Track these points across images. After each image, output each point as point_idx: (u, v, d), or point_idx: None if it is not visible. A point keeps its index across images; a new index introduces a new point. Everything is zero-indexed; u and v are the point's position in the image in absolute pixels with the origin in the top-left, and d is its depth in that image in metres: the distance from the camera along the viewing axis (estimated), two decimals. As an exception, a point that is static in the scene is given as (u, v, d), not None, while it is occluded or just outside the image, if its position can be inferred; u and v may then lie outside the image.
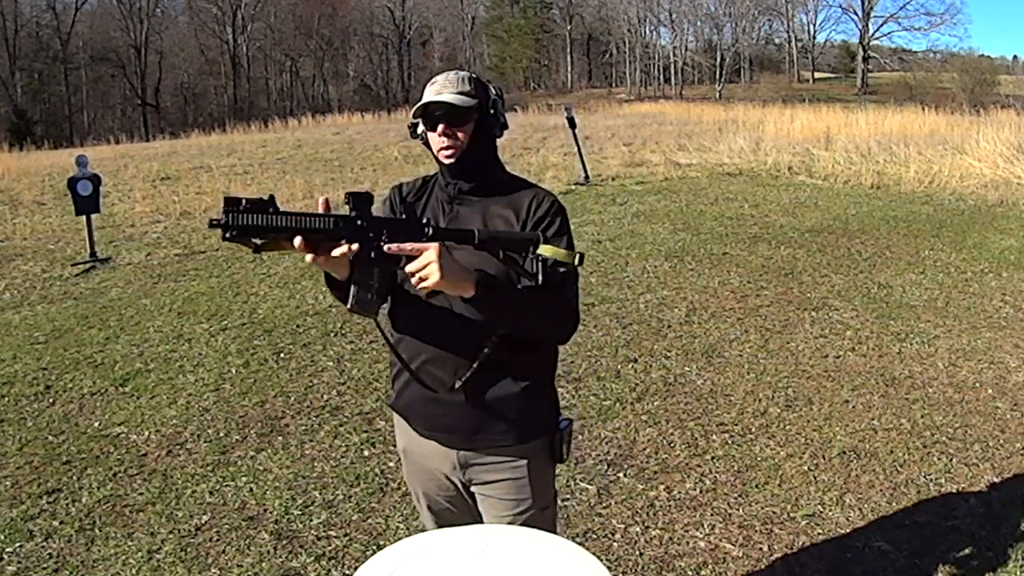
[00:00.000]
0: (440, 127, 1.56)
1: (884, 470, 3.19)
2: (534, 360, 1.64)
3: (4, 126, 35.50)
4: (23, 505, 3.07)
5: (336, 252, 1.34)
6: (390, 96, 47.13)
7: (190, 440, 3.61)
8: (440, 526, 1.77)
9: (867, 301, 5.48)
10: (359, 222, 1.35)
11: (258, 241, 1.27)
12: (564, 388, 4.06)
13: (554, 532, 1.71)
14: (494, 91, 1.63)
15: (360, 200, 1.37)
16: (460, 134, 1.57)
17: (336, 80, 50.53)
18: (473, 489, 1.69)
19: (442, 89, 1.56)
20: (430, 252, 1.35)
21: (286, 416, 3.83)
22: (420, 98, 1.60)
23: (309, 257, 1.34)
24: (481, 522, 1.71)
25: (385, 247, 1.36)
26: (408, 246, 1.36)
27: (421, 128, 1.62)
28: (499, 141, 1.69)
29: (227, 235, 1.24)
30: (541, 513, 1.67)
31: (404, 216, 1.50)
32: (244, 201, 1.24)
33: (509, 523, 1.64)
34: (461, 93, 1.56)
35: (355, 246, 1.35)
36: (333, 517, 2.93)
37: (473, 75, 1.61)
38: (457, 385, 1.56)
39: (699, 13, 53.94)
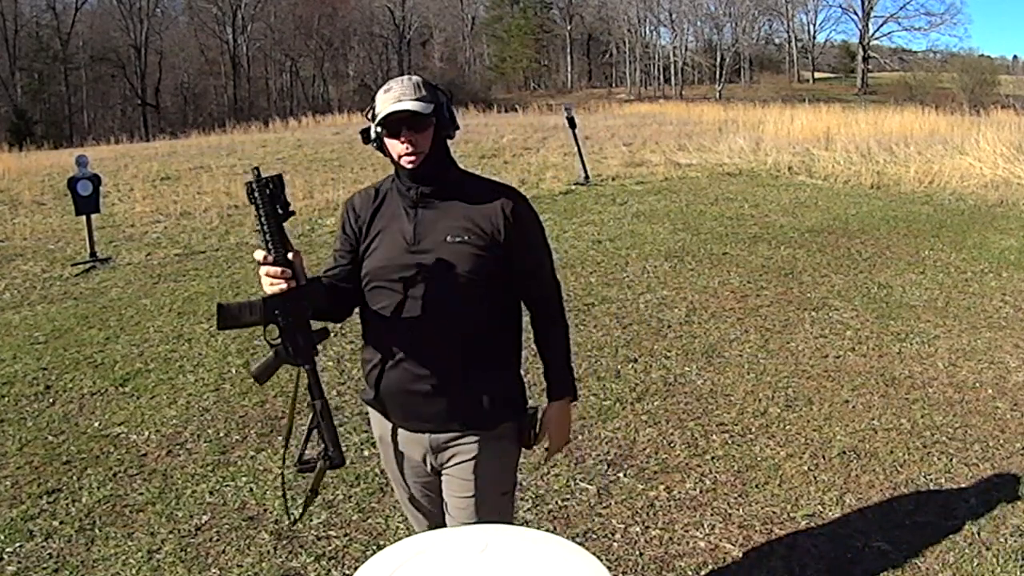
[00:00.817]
0: (403, 134, 1.60)
1: (884, 470, 3.19)
2: (500, 351, 1.74)
3: (4, 126, 35.49)
4: (23, 505, 3.07)
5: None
6: (390, 96, 46.99)
7: (190, 440, 3.61)
8: (418, 510, 1.86)
9: (867, 301, 5.48)
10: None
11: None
12: (564, 388, 4.06)
13: (511, 518, 1.81)
14: (443, 93, 1.67)
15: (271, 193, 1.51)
16: (422, 139, 1.61)
17: (336, 80, 50.51)
18: (444, 471, 1.75)
19: (401, 96, 1.59)
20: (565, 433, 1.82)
21: (286, 416, 3.83)
22: (375, 105, 1.64)
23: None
24: None
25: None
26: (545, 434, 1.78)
27: (375, 133, 1.65)
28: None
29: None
30: (500, 498, 1.74)
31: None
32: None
33: (467, 504, 1.71)
34: (420, 99, 1.59)
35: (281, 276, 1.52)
36: (333, 517, 2.93)
37: (423, 80, 1.65)
38: (430, 377, 1.66)
39: (699, 13, 53.96)
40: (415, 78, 1.64)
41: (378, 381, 1.71)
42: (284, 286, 1.50)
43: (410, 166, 1.62)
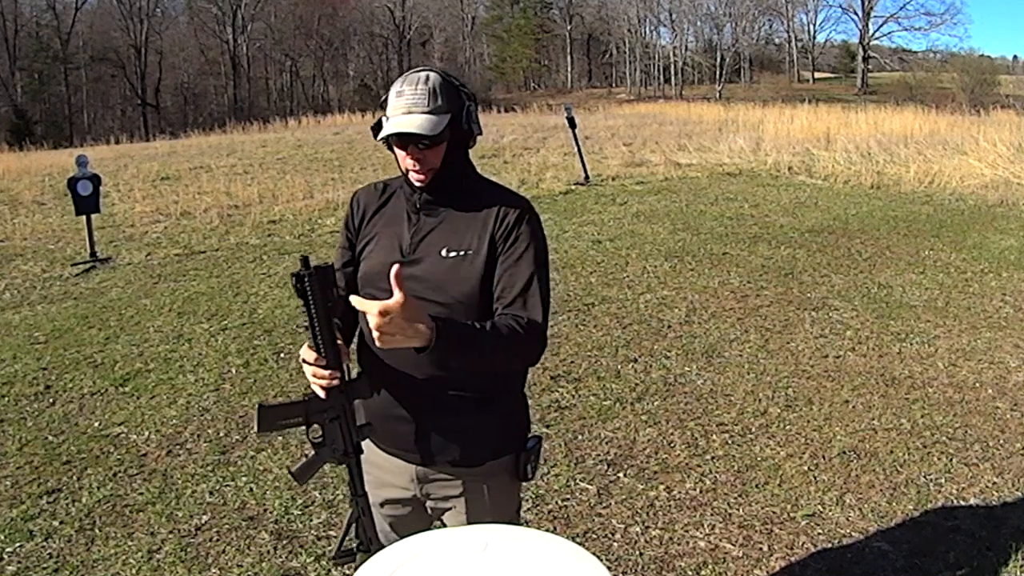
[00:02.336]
0: (410, 150, 1.45)
1: (884, 470, 3.19)
2: (499, 380, 1.58)
3: (4, 126, 35.51)
4: (23, 505, 3.07)
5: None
6: (390, 96, 47.00)
7: (190, 440, 3.61)
8: (396, 533, 1.69)
9: (867, 301, 5.48)
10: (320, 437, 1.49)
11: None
12: (564, 388, 4.06)
13: None
14: (466, 95, 1.49)
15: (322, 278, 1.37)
16: (432, 156, 1.46)
17: (336, 80, 50.52)
18: (429, 504, 1.65)
19: (411, 107, 1.42)
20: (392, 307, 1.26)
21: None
22: (386, 101, 1.47)
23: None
24: None
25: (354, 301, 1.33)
26: (363, 305, 1.29)
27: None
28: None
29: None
30: None
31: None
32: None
33: None
34: (433, 112, 1.42)
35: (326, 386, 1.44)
36: (333, 517, 2.93)
37: (443, 79, 1.46)
38: (413, 405, 1.54)
39: (699, 13, 53.96)
40: (432, 79, 1.44)
41: (365, 403, 1.60)
42: (334, 385, 1.42)
43: (419, 183, 1.50)
